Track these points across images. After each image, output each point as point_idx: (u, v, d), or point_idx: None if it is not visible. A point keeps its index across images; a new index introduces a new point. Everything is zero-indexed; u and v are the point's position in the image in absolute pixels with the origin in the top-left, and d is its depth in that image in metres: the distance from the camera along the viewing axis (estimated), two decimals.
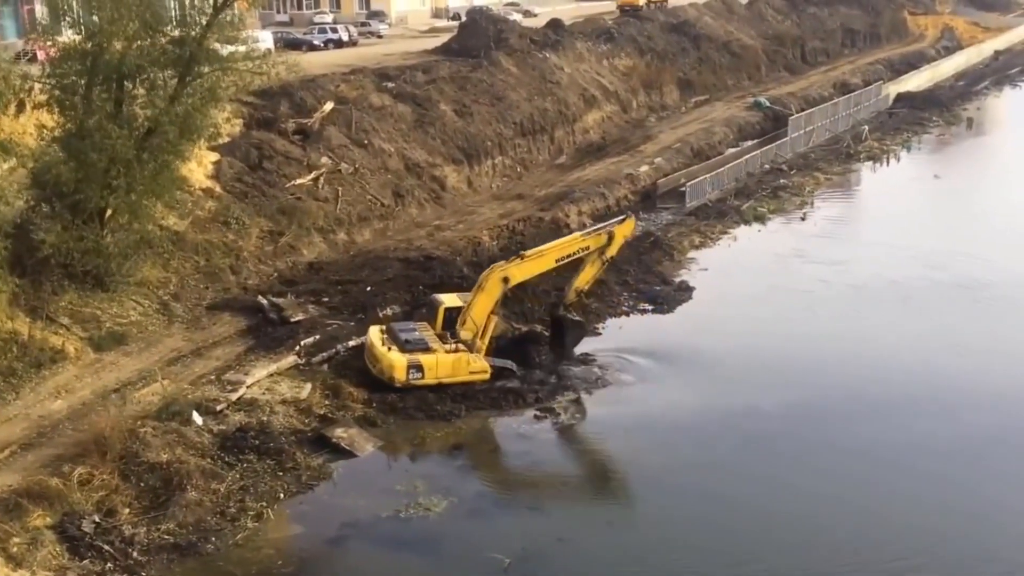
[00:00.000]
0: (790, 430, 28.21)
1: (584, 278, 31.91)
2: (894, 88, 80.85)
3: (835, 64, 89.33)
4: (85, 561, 21.08)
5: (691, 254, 43.90)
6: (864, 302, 37.70)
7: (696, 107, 70.46)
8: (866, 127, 68.79)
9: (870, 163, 62.24)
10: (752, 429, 28.07)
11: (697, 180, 52.46)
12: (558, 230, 44.65)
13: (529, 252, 31.27)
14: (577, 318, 32.41)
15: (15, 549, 20.64)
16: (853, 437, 27.62)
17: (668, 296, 38.35)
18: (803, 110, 68.39)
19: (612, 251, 31.63)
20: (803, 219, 49.79)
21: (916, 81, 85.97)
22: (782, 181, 56.04)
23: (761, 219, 49.15)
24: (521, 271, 30.52)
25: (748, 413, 28.90)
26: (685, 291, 39.11)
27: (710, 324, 35.65)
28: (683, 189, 51.60)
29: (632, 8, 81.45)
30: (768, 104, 69.35)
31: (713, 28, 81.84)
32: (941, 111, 76.01)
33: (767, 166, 59.15)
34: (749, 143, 63.16)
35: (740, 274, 41.53)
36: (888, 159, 63.30)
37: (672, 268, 41.73)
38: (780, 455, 26.85)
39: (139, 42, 31.04)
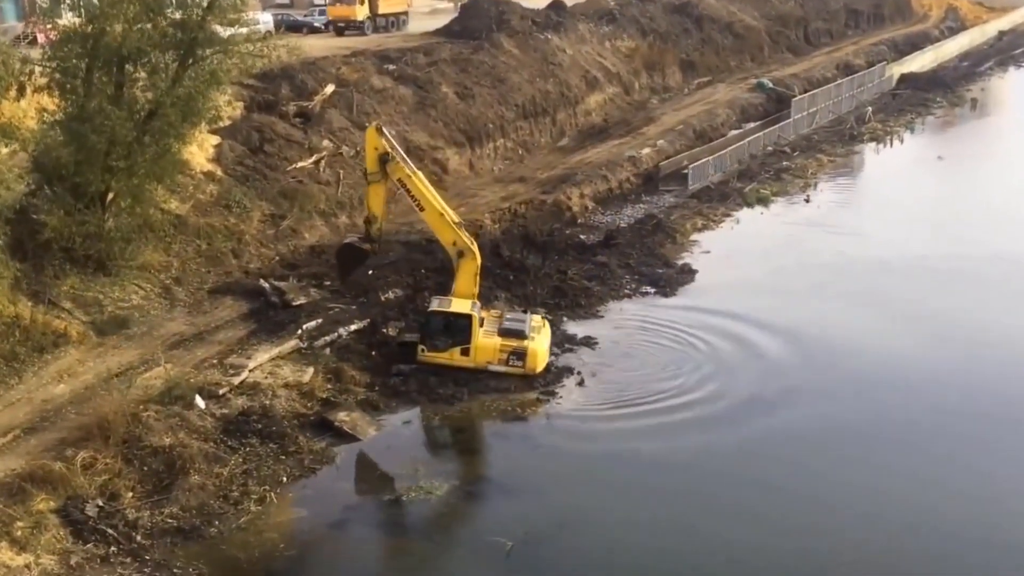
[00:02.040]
0: (809, 413, 28.36)
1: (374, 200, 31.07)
2: (898, 69, 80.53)
3: (839, 45, 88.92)
4: (89, 545, 21.16)
5: (693, 236, 43.82)
6: (869, 280, 37.79)
7: (699, 89, 70.21)
8: (869, 108, 68.56)
9: (873, 145, 62.07)
10: (757, 414, 28.15)
11: (700, 162, 52.33)
12: (560, 212, 44.69)
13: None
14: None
15: (19, 533, 20.72)
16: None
17: (670, 278, 38.31)
18: (806, 91, 68.13)
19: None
20: (806, 201, 49.67)
21: (920, 62, 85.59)
22: (785, 163, 55.93)
23: (764, 201, 49.04)
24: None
25: (754, 398, 28.96)
26: (687, 273, 39.08)
27: (721, 305, 35.67)
28: (685, 171, 51.48)
29: (347, 23, 67.48)
30: (771, 85, 69.06)
31: (716, 9, 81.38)
32: (945, 92, 75.73)
33: (770, 148, 59.01)
34: (752, 125, 62.96)
35: (742, 256, 41.46)
36: (892, 140, 63.12)
37: (674, 251, 41.66)
38: (796, 439, 26.93)
39: (140, 25, 30.91)
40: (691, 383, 29.80)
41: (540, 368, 29.66)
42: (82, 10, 31.33)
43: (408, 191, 30.59)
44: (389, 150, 30.19)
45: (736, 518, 23.14)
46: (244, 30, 32.68)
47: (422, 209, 30.58)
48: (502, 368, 29.49)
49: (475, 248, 30.43)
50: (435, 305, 29.97)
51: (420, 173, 31.58)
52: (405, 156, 31.01)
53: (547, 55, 61.15)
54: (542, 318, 31.75)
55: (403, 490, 24.16)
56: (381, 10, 65.77)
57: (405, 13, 69.22)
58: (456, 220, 30.60)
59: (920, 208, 48.36)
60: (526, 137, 55.13)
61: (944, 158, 58.46)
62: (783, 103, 65.96)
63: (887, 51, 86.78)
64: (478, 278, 30.53)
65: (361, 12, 67.44)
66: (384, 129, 30.92)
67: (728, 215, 47.03)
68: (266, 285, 33.44)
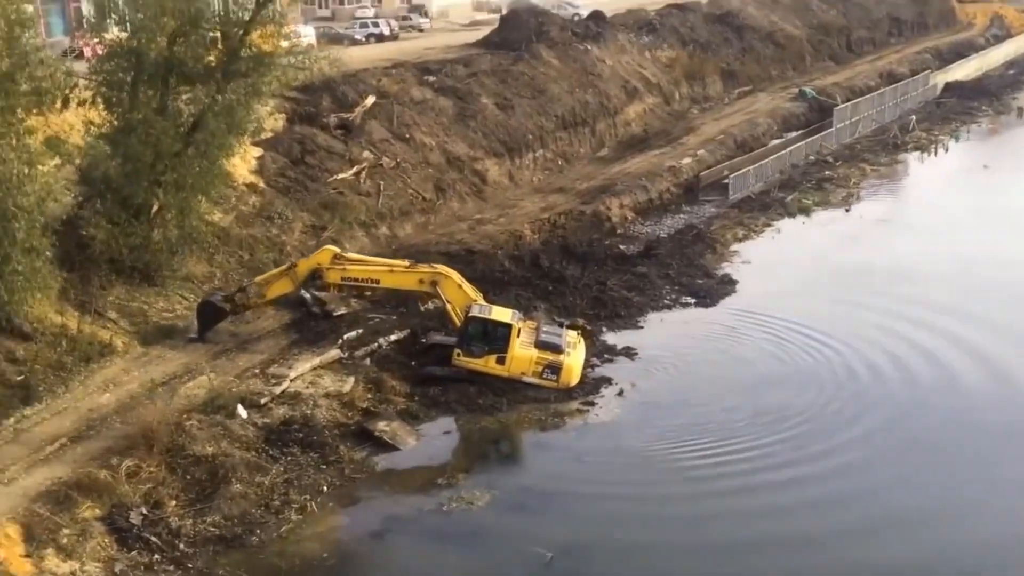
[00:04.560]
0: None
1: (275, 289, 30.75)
2: (942, 77, 79.54)
3: (881, 53, 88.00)
4: (133, 552, 21.40)
5: (734, 247, 43.53)
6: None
7: (739, 98, 69.77)
8: (913, 117, 67.77)
9: (918, 153, 61.29)
10: (806, 423, 28.03)
11: (740, 172, 51.99)
12: (600, 223, 44.59)
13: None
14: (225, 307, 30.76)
15: (65, 540, 21.01)
16: None
17: (711, 289, 38.06)
18: (849, 100, 67.47)
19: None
20: (848, 211, 49.15)
21: (965, 70, 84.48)
22: (827, 173, 55.40)
23: (806, 211, 48.61)
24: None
25: (798, 405, 28.78)
26: (728, 284, 38.80)
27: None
28: (726, 181, 51.18)
29: None
30: (813, 94, 68.48)
31: (757, 18, 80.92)
32: (990, 100, 74.72)
33: (812, 157, 58.46)
34: (793, 134, 62.42)
35: (784, 266, 41.10)
36: (936, 149, 62.27)
37: (715, 261, 41.42)
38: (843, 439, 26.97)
39: (182, 38, 31.34)
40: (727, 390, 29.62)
41: (574, 383, 29.58)
42: (127, 24, 31.82)
43: (355, 284, 30.77)
44: (324, 270, 30.20)
45: (773, 522, 23.01)
46: (286, 43, 33.00)
47: (376, 282, 30.72)
48: (535, 380, 29.42)
49: (439, 267, 30.82)
50: (475, 312, 30.00)
51: (352, 255, 31.65)
52: (356, 258, 31.28)
53: (587, 66, 61.10)
54: (578, 334, 31.43)
55: (443, 500, 24.18)
56: None
57: None
58: (406, 264, 30.86)
59: (967, 217, 47.59)
60: (565, 147, 55.10)
61: (990, 167, 57.56)
62: (825, 112, 65.33)
63: (931, 59, 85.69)
64: (466, 284, 30.65)
65: None
66: (342, 255, 30.81)
67: (769, 225, 46.67)
68: (307, 295, 33.58)
